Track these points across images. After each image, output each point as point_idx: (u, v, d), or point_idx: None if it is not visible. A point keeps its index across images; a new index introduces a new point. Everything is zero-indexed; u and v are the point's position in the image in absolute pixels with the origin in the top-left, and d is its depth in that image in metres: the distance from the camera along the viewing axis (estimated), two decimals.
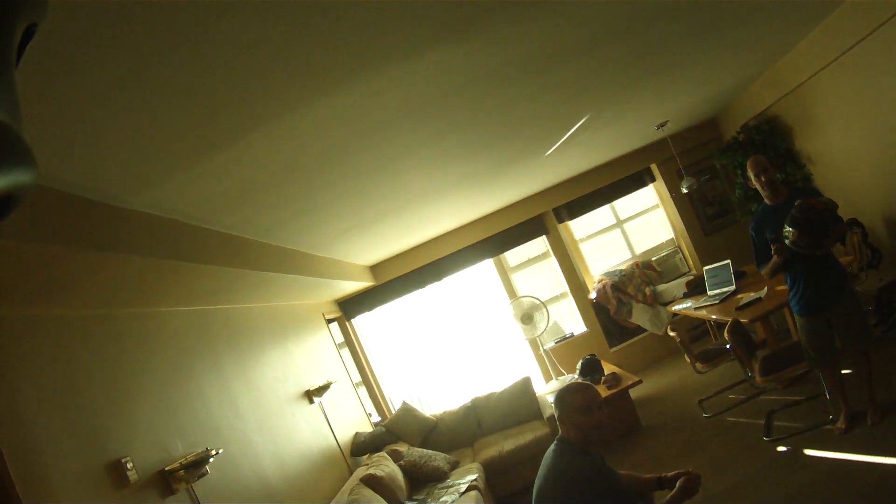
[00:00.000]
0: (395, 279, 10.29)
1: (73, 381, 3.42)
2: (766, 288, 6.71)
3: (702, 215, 10.52)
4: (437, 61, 3.56)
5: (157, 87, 2.54)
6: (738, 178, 9.35)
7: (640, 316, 10.03)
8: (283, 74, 2.93)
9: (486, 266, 10.82)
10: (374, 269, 10.20)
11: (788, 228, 4.57)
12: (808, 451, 5.17)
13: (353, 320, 10.40)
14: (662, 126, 8.79)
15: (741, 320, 6.05)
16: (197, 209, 4.07)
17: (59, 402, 3.26)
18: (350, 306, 10.25)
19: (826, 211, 4.55)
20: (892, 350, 5.80)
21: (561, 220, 10.70)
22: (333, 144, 4.10)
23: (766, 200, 5.10)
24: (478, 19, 3.27)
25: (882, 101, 6.40)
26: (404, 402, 8.63)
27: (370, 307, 10.35)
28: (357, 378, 9.73)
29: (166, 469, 3.80)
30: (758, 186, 5.09)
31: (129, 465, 3.48)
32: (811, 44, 6.80)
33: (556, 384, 9.51)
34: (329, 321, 9.28)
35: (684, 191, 9.28)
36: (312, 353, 7.84)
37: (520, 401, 8.24)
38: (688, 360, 6.94)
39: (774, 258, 4.88)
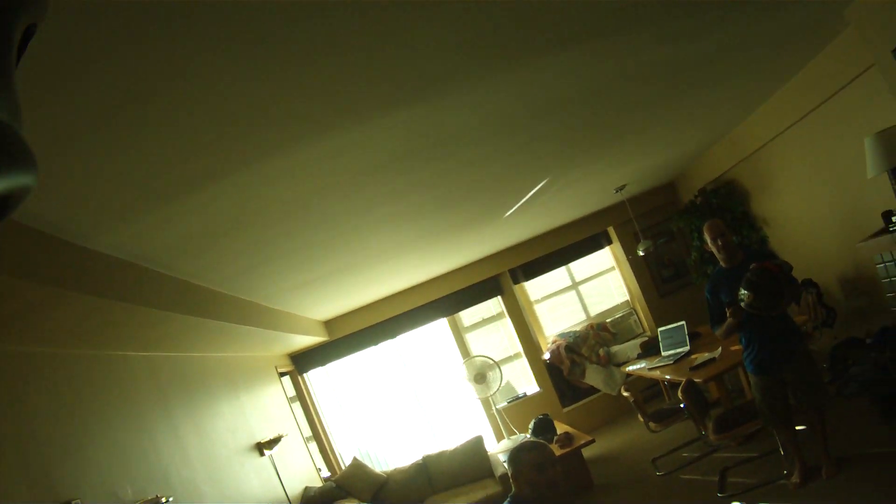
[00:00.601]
0: (349, 335, 10.21)
1: (24, 419, 3.32)
2: (720, 348, 6.78)
3: (657, 277, 10.65)
4: (400, 121, 3.61)
5: (127, 129, 2.53)
6: (694, 241, 9.51)
7: (593, 377, 10.05)
8: (250, 125, 2.94)
9: (441, 325, 10.79)
10: (329, 324, 10.13)
11: (744, 291, 4.65)
12: None
13: (305, 374, 10.26)
14: (621, 189, 8.94)
15: (695, 380, 6.11)
16: (157, 254, 4.03)
17: (11, 440, 3.17)
18: (303, 361, 10.12)
19: (781, 274, 4.65)
20: (846, 406, 5.87)
21: (517, 281, 10.76)
22: (295, 196, 4.12)
23: (722, 263, 5.18)
24: (442, 81, 3.33)
25: (835, 165, 6.61)
26: (355, 458, 8.51)
27: (323, 362, 10.24)
28: (308, 432, 9.56)
29: None
30: (714, 250, 5.18)
31: None
32: (768, 110, 7.02)
33: (508, 443, 9.47)
34: (282, 374, 9.16)
35: (641, 254, 9.41)
36: (264, 406, 7.71)
37: (471, 459, 8.17)
38: (641, 419, 6.96)
39: (729, 320, 4.94)
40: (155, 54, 2.13)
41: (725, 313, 4.97)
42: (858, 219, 6.24)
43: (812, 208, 7.44)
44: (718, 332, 5.16)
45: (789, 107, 6.62)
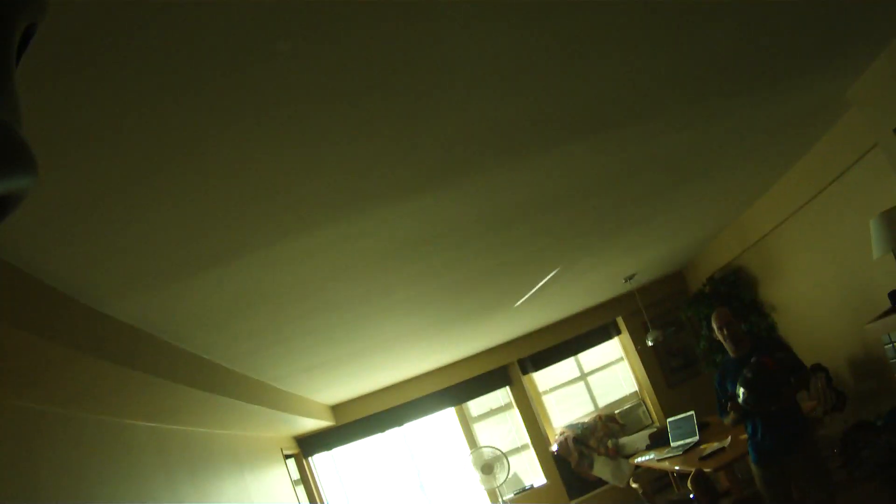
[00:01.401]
0: (356, 421, 10.15)
1: (29, 477, 3.30)
2: (729, 437, 6.70)
3: (666, 367, 10.59)
4: (416, 208, 3.72)
5: (150, 200, 2.62)
6: (703, 330, 9.48)
7: (601, 469, 9.91)
8: (271, 204, 3.04)
9: (448, 414, 10.71)
10: (336, 408, 10.08)
11: (740, 388, 4.66)
12: None
13: (311, 458, 10.16)
14: (630, 279, 8.99)
15: (705, 470, 6.05)
16: (173, 325, 4.07)
17: (14, 499, 3.16)
18: (309, 444, 10.04)
19: (778, 371, 4.64)
20: (859, 490, 5.77)
21: (525, 372, 10.73)
22: (311, 279, 4.19)
23: (730, 353, 5.15)
24: (457, 170, 3.46)
25: (841, 247, 6.60)
26: None
27: (329, 447, 10.17)
28: None
29: None
30: (721, 339, 5.15)
31: None
32: (774, 196, 7.10)
33: None
34: (287, 457, 9.06)
35: (650, 344, 9.40)
36: (269, 489, 7.60)
37: None
38: None
39: (730, 413, 4.93)
40: (178, 128, 2.24)
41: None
42: (866, 300, 6.21)
43: (820, 292, 7.43)
44: (726, 420, 5.13)
45: (795, 191, 6.70)
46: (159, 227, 2.87)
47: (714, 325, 5.16)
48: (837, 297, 7.09)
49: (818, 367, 7.13)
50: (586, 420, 10.45)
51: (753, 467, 5.11)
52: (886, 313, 5.14)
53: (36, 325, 2.71)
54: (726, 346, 5.16)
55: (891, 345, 5.15)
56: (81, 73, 1.83)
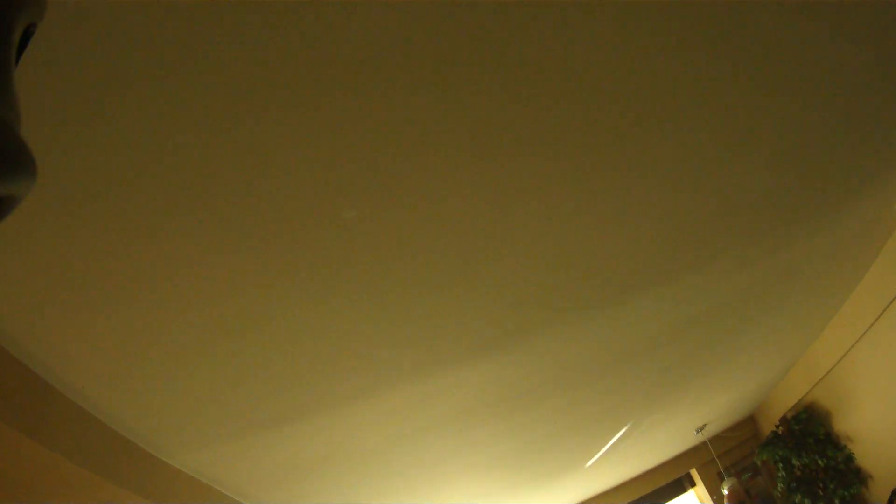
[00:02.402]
0: None
1: None
2: None
3: None
4: (483, 371, 3.75)
5: (226, 360, 2.71)
6: (779, 472, 9.19)
7: None
8: (343, 368, 3.11)
9: None
10: None
11: None
12: None
13: None
14: (701, 429, 8.83)
15: None
16: (235, 481, 4.04)
17: None
18: None
19: None
20: None
21: None
22: (378, 442, 4.18)
23: None
24: (523, 331, 3.51)
25: None
26: None
27: None
28: None
29: None
30: None
31: None
32: (837, 325, 7.01)
33: None
34: None
35: (725, 493, 9.12)
36: None
37: None
38: None
39: None
40: (256, 294, 2.36)
41: None
42: None
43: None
44: None
45: (858, 316, 6.61)
46: (230, 384, 2.92)
47: (725, 500, 4.97)
48: None
49: None
50: None
51: None
52: None
53: (97, 464, 2.76)
54: None
55: None
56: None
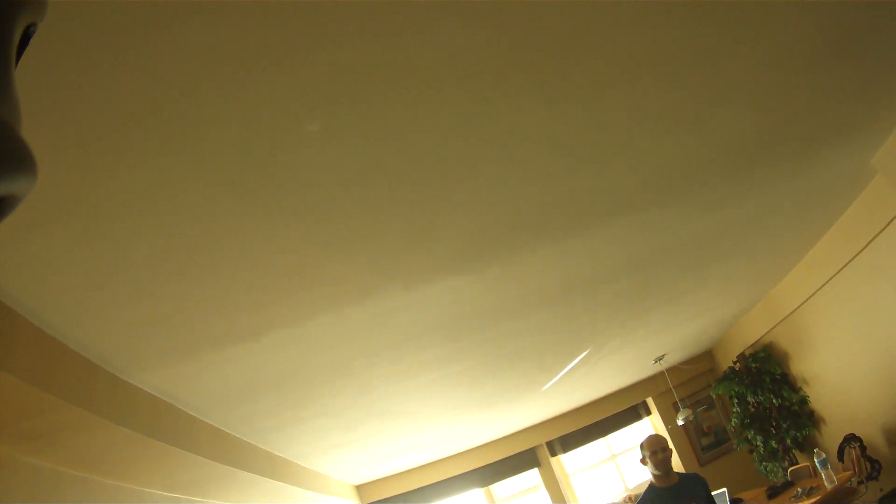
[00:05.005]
0: (380, 501, 9.98)
1: None
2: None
3: (697, 446, 10.34)
4: (445, 290, 3.73)
5: (182, 275, 2.67)
6: (734, 408, 9.29)
7: None
8: (300, 285, 3.08)
9: (476, 495, 10.47)
10: (360, 488, 9.89)
11: None
12: None
13: None
14: (660, 359, 8.89)
15: None
16: (195, 399, 4.06)
17: None
18: None
19: None
20: None
21: (554, 454, 10.53)
22: (339, 359, 4.19)
23: (654, 482, 4.79)
24: (485, 255, 3.51)
25: (873, 316, 6.53)
26: None
27: None
28: None
29: None
30: (650, 465, 4.76)
31: None
32: (802, 270, 7.07)
33: None
34: None
35: (680, 423, 9.21)
36: None
37: None
38: None
39: None
40: (211, 209, 2.32)
41: None
42: None
43: (853, 362, 7.30)
44: None
45: (823, 264, 6.69)
46: (188, 301, 2.90)
47: (646, 451, 4.89)
48: (871, 366, 6.97)
49: (852, 437, 7.05)
50: (617, 501, 10.19)
51: None
52: None
53: (59, 387, 2.73)
54: (653, 472, 4.77)
55: None
56: (113, 154, 1.91)
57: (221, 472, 4.75)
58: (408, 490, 9.97)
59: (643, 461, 4.81)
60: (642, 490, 5.02)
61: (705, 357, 10.73)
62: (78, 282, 2.46)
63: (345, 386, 4.75)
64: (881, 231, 5.64)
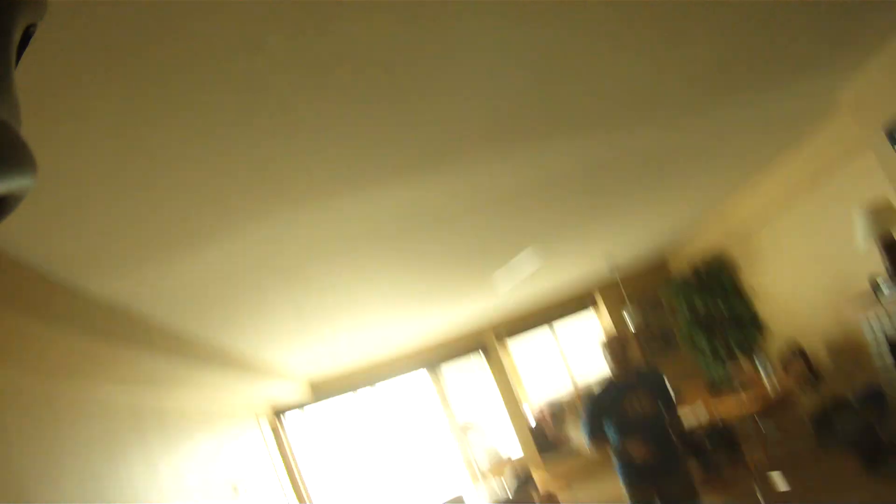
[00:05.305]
0: (331, 382, 10.05)
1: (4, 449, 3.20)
2: (699, 402, 6.80)
3: (645, 349, 10.51)
4: (399, 187, 3.72)
5: (131, 178, 2.61)
6: (682, 311, 9.39)
7: (576, 433, 9.77)
8: (252, 183, 3.04)
9: (426, 387, 10.66)
10: (315, 385, 10.00)
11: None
12: None
13: (284, 420, 10.03)
14: (612, 260, 8.99)
15: None
16: (152, 303, 4.08)
17: None
18: (283, 406, 9.89)
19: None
20: (830, 461, 5.96)
21: (500, 340, 10.69)
22: (291, 257, 4.22)
23: (613, 377, 4.76)
24: (437, 157, 3.52)
25: (825, 237, 6.68)
26: None
27: (302, 408, 10.12)
28: (291, 493, 9.25)
29: None
30: (609, 359, 4.75)
31: None
32: (760, 188, 7.15)
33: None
34: (262, 421, 9.02)
35: (629, 323, 9.29)
36: (243, 451, 7.61)
37: None
38: None
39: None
40: (163, 112, 2.25)
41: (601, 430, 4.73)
42: (846, 286, 6.31)
43: (802, 279, 7.53)
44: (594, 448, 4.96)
45: (782, 185, 6.79)
46: (139, 204, 2.85)
47: (606, 348, 4.76)
48: (818, 284, 7.19)
49: (797, 349, 7.32)
50: (563, 393, 10.52)
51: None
52: (866, 298, 5.33)
53: (10, 298, 2.72)
54: (612, 368, 4.77)
55: (869, 326, 5.34)
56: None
57: (182, 373, 4.91)
58: (357, 370, 10.15)
59: (605, 357, 4.78)
60: (591, 386, 5.04)
61: (657, 259, 10.85)
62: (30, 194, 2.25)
63: (298, 283, 4.78)
64: (841, 161, 5.78)
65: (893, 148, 4.56)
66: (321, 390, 10.10)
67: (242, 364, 6.37)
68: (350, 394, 10.29)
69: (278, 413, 9.92)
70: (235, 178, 2.91)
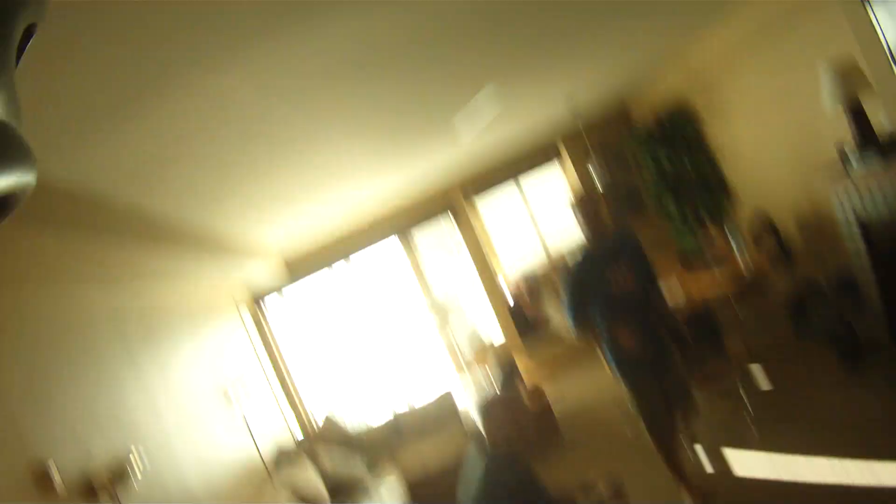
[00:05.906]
0: (305, 260, 10.07)
1: None
2: (673, 277, 6.88)
3: (613, 210, 10.32)
4: (350, 19, 3.50)
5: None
6: (648, 167, 9.38)
7: (556, 313, 9.82)
8: (195, 27, 2.85)
9: (400, 259, 10.60)
10: (287, 255, 9.95)
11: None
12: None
13: (263, 304, 10.08)
14: (573, 105, 8.68)
15: None
16: (106, 179, 3.91)
17: None
18: (260, 289, 9.93)
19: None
20: (808, 353, 6.02)
21: (468, 198, 10.59)
22: (245, 110, 4.05)
23: (587, 243, 4.65)
24: None
25: (790, 94, 6.51)
26: (327, 417, 8.18)
27: (279, 288, 10.14)
28: (275, 381, 9.36)
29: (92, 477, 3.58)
30: (582, 222, 4.63)
31: (55, 473, 3.26)
32: (724, 33, 6.94)
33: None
34: (241, 307, 9.06)
35: (596, 181, 9.22)
36: (225, 340, 7.70)
37: (442, 414, 7.78)
38: None
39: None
40: None
41: (586, 310, 4.62)
42: (815, 152, 6.17)
43: (768, 140, 7.35)
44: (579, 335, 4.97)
45: (746, 31, 6.59)
46: (78, 73, 2.70)
47: (579, 211, 4.61)
48: (785, 146, 7.04)
49: (768, 223, 7.29)
50: (538, 267, 10.56)
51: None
52: (834, 168, 5.14)
53: None
54: (586, 232, 4.64)
55: (839, 202, 5.15)
56: None
57: (157, 263, 4.92)
58: (329, 242, 10.14)
59: (577, 219, 4.64)
60: (566, 256, 4.90)
61: (622, 112, 10.63)
62: None
63: (252, 140, 4.63)
64: (808, 12, 5.61)
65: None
66: (297, 269, 10.04)
67: (215, 243, 6.35)
68: (326, 270, 10.24)
69: (258, 300, 9.92)
70: (177, 23, 2.72)
